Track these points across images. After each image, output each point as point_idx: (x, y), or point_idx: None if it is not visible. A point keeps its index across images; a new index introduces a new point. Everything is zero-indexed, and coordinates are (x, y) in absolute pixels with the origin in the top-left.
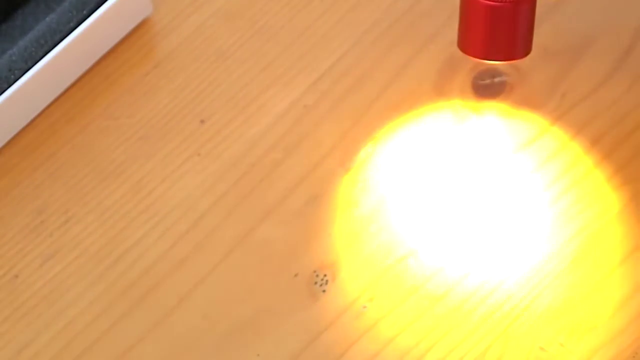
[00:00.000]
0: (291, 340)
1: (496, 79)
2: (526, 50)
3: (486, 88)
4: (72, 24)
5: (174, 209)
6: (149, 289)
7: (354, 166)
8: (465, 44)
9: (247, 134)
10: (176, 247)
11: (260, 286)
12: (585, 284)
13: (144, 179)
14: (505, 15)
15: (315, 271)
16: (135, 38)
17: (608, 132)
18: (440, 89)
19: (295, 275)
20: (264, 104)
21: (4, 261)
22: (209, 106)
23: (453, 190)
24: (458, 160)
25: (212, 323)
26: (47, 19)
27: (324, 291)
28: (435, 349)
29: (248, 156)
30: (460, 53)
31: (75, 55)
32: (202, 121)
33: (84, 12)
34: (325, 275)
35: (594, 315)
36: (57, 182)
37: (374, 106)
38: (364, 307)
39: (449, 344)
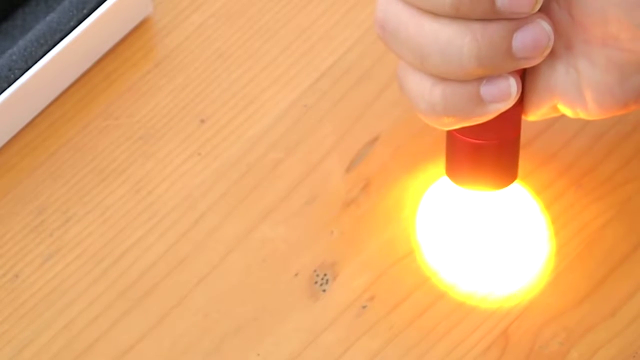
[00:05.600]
0: (291, 340)
1: None
2: (512, 179)
3: None
4: (72, 23)
5: (174, 209)
6: (149, 289)
7: (354, 166)
8: (452, 173)
9: (247, 134)
10: (176, 247)
11: (260, 286)
12: (585, 284)
13: (144, 179)
14: (490, 153)
15: (315, 271)
16: (135, 38)
17: (609, 131)
18: None
19: (296, 275)
20: (264, 104)
21: (4, 261)
22: (209, 106)
23: (453, 189)
24: None
25: (212, 323)
26: (47, 18)
27: (324, 291)
28: (435, 349)
29: (248, 156)
30: None
31: (75, 55)
32: (202, 121)
33: (84, 11)
34: (325, 275)
35: (594, 315)
36: (57, 182)
37: (374, 106)
38: (364, 307)
39: (449, 344)
